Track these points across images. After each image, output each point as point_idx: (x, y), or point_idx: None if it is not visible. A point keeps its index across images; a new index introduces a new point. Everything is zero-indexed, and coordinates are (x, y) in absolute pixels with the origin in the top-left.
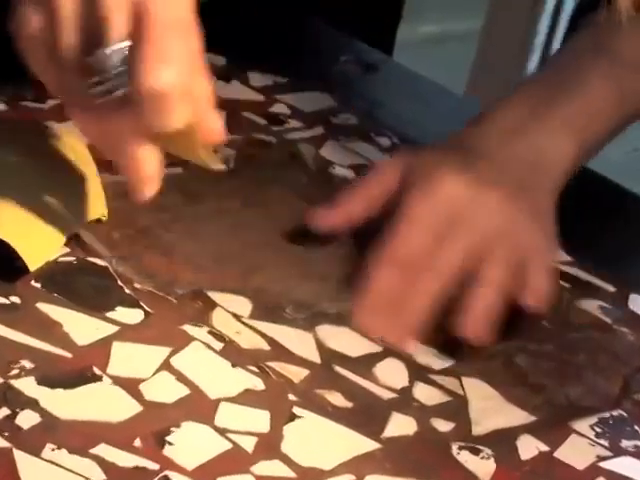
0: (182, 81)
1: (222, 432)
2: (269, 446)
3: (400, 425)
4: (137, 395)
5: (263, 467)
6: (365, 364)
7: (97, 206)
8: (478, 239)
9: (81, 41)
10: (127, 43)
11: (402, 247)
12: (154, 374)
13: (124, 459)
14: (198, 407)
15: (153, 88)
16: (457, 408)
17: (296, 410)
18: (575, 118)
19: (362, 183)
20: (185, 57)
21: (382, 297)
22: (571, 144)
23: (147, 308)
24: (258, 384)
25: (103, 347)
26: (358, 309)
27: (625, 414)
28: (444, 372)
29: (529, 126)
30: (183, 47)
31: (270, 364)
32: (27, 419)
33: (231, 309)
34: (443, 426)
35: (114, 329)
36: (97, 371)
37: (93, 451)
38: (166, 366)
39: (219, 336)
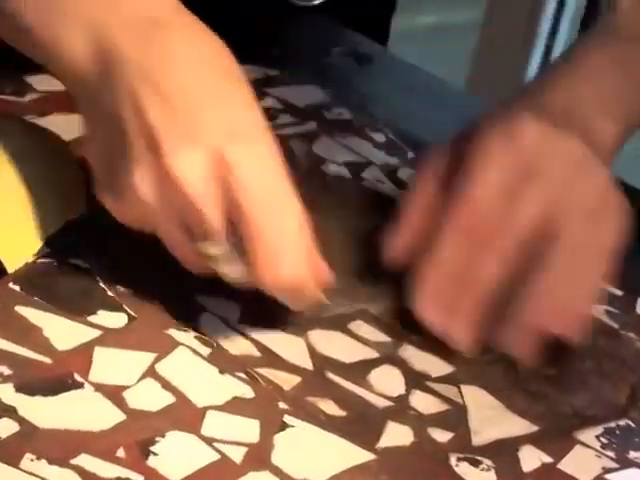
0: (301, 262)
1: (209, 442)
2: (259, 457)
3: (396, 435)
4: (120, 403)
5: (252, 479)
6: (359, 371)
7: (78, 204)
8: (554, 194)
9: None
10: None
11: (471, 206)
12: (138, 381)
13: (106, 470)
14: (184, 416)
15: (275, 283)
16: (456, 417)
17: (287, 419)
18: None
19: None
20: (294, 232)
21: (446, 275)
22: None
23: (131, 311)
24: (247, 392)
25: (85, 352)
26: (420, 293)
27: (632, 424)
28: (442, 379)
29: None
30: (290, 224)
31: (260, 371)
32: (5, 428)
33: (219, 313)
34: (441, 436)
35: (96, 333)
36: (78, 378)
37: (74, 461)
38: (151, 372)
39: (206, 341)
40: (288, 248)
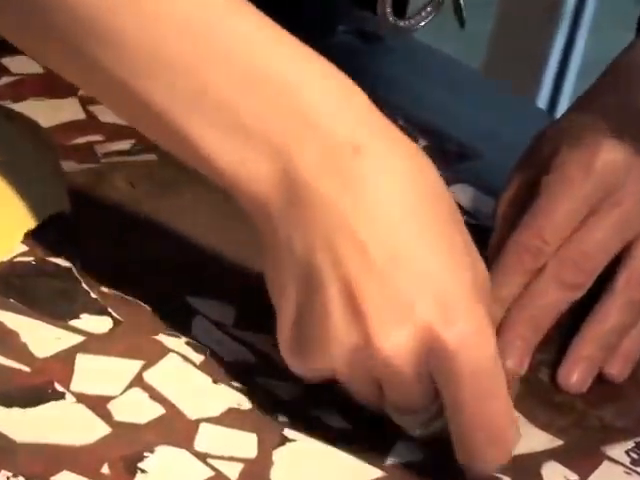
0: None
1: (202, 458)
2: (256, 474)
3: (407, 450)
4: (105, 415)
5: None
6: None
7: (59, 198)
8: (632, 216)
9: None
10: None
11: (544, 226)
12: (124, 391)
13: None
14: (175, 429)
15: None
16: None
17: (287, 433)
18: None
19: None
20: (505, 420)
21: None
22: None
23: (116, 315)
24: (243, 402)
25: (66, 360)
26: None
27: None
28: None
29: None
30: (501, 410)
31: (257, 380)
32: None
33: (213, 316)
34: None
35: (78, 339)
36: (59, 387)
37: (55, 479)
38: (138, 382)
39: (199, 347)
40: (502, 438)
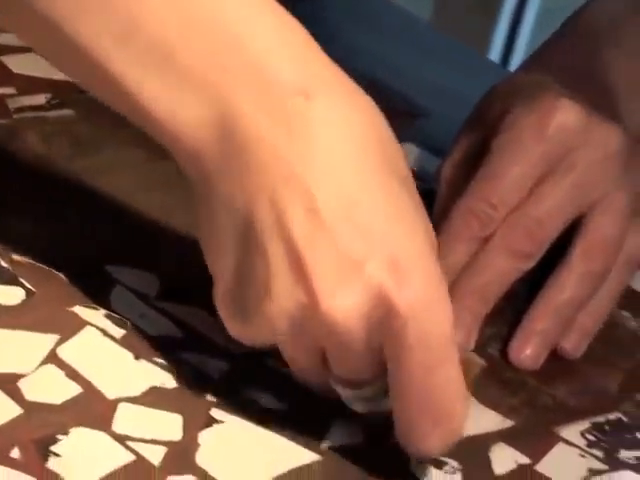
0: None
1: (122, 440)
2: (181, 458)
3: (345, 432)
4: (15, 394)
5: None
6: None
7: None
8: (586, 182)
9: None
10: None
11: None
12: (37, 368)
13: None
14: (92, 409)
15: (424, 453)
16: None
17: (215, 413)
18: None
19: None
20: (457, 394)
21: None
22: None
23: (29, 286)
24: (167, 381)
25: None
26: None
27: (625, 418)
28: None
29: None
30: (452, 380)
31: (183, 355)
32: None
33: (134, 287)
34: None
35: None
36: None
37: None
38: (52, 358)
39: (119, 320)
40: (450, 419)
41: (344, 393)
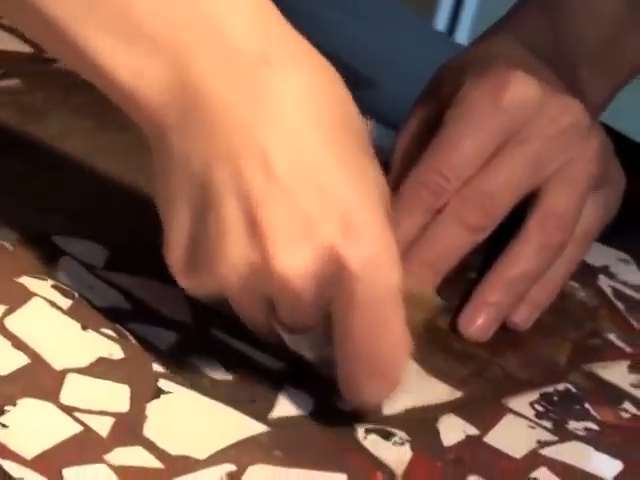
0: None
1: (69, 411)
2: (128, 429)
3: (292, 403)
4: None
5: (121, 455)
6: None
7: None
8: (540, 156)
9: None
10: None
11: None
12: None
13: None
14: (39, 380)
15: (361, 404)
16: None
17: (162, 384)
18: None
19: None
20: (399, 348)
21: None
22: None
23: None
24: (115, 351)
25: None
26: None
27: (573, 389)
28: None
29: None
30: (395, 337)
31: (130, 326)
32: None
33: (82, 257)
34: (346, 404)
35: None
36: None
37: None
38: None
39: (66, 291)
40: (389, 373)
41: (288, 338)
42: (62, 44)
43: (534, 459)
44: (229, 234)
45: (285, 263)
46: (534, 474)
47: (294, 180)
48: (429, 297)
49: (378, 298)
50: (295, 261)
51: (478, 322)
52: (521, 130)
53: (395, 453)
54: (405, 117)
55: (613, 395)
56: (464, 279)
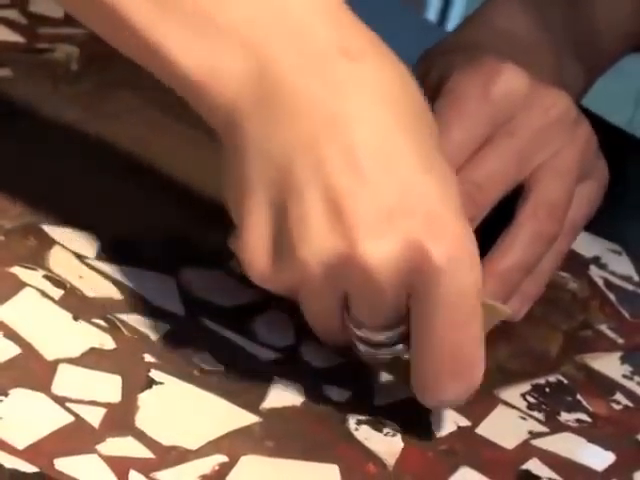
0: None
1: (61, 402)
2: (120, 419)
3: (284, 394)
4: None
5: (112, 445)
6: (241, 317)
7: None
8: (528, 147)
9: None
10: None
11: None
12: None
13: None
14: (31, 370)
15: (437, 406)
16: (355, 372)
17: (154, 374)
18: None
19: None
20: (477, 349)
21: None
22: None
23: None
24: (106, 342)
25: None
26: None
27: (565, 380)
28: None
29: None
30: (475, 339)
31: (122, 316)
32: None
33: (73, 248)
34: (338, 395)
35: None
36: None
37: None
38: None
39: (58, 281)
40: (471, 372)
41: (359, 334)
42: (133, 40)
43: (525, 450)
44: (312, 223)
45: (369, 253)
46: (525, 465)
47: (377, 171)
48: (500, 309)
49: (461, 294)
50: (379, 251)
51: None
52: (510, 121)
53: (387, 444)
54: None
55: (605, 386)
56: None
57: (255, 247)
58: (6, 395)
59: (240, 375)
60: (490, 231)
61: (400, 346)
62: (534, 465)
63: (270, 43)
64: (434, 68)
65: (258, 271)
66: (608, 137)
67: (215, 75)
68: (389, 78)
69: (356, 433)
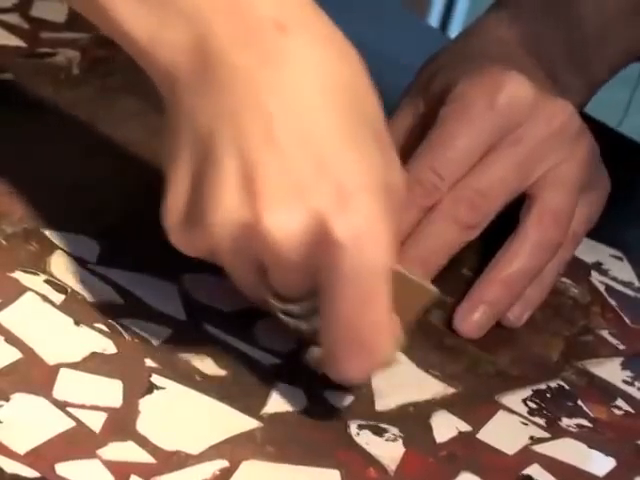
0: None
1: (62, 407)
2: (121, 424)
3: (285, 399)
4: None
5: (114, 450)
6: (243, 322)
7: None
8: (532, 156)
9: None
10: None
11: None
12: None
13: None
14: (32, 375)
15: (345, 379)
16: None
17: (155, 379)
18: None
19: None
20: (384, 326)
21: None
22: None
23: None
24: (108, 347)
25: None
26: None
27: (566, 386)
28: None
29: None
30: (381, 315)
31: (123, 321)
32: None
33: (74, 252)
34: (339, 400)
35: None
36: None
37: None
38: None
39: (59, 286)
40: (371, 349)
41: (276, 306)
42: (90, 6)
43: (526, 456)
44: (224, 192)
45: (273, 224)
46: (526, 471)
47: (293, 144)
48: (427, 286)
49: (364, 272)
50: (284, 223)
51: (473, 319)
52: (514, 130)
53: (388, 449)
54: (394, 110)
55: (606, 392)
56: (459, 277)
57: (172, 212)
58: (7, 400)
59: (241, 380)
60: (492, 240)
61: (315, 319)
62: (535, 470)
63: (209, 15)
64: (438, 76)
65: (174, 236)
66: (609, 142)
67: (158, 43)
68: (322, 53)
69: (357, 438)
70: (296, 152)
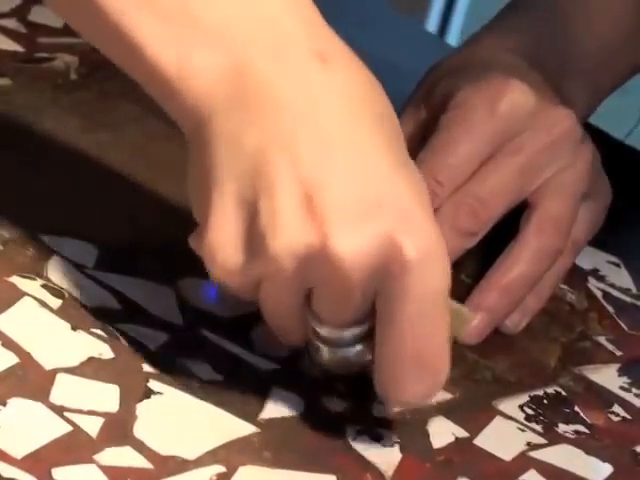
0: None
1: (59, 411)
2: (118, 429)
3: (283, 404)
4: None
5: (110, 455)
6: (240, 327)
7: None
8: (532, 164)
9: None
10: (365, 327)
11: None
12: None
13: None
14: (29, 380)
15: (400, 404)
16: (354, 383)
17: (152, 384)
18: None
19: None
20: (443, 352)
21: None
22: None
23: None
24: (105, 351)
25: None
26: None
27: (563, 392)
28: None
29: None
30: (441, 342)
31: (120, 326)
32: None
33: (72, 257)
34: (336, 405)
35: None
36: None
37: None
38: None
39: (56, 291)
40: (436, 372)
41: (320, 331)
42: (106, 29)
43: (523, 462)
44: (285, 216)
45: (342, 245)
46: (523, 477)
47: (351, 167)
48: (466, 314)
49: (430, 290)
50: (352, 244)
51: (472, 325)
52: (515, 138)
53: (385, 455)
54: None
55: (603, 398)
56: (458, 283)
57: (224, 243)
58: (4, 404)
59: (238, 385)
60: (492, 247)
61: (360, 346)
62: (532, 477)
63: (246, 42)
64: (440, 83)
65: (226, 268)
66: (608, 150)
67: (187, 69)
68: (358, 82)
69: (354, 444)
70: (355, 174)
